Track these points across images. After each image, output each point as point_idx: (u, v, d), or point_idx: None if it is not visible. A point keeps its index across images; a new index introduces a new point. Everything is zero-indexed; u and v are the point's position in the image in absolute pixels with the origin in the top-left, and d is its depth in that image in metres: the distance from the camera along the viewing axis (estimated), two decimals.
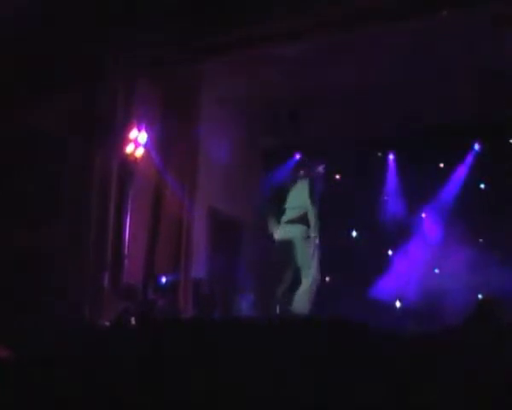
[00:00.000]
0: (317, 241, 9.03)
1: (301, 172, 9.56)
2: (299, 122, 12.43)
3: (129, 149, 10.94)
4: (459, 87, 11.52)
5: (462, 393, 4.94)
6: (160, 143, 11.70)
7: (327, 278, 12.51)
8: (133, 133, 10.96)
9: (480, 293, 11.49)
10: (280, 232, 9.32)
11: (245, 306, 12.47)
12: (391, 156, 13.95)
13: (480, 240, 12.52)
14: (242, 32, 9.89)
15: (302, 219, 9.12)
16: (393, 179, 13.82)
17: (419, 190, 13.12)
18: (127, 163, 11.02)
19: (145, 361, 6.53)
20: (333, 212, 11.44)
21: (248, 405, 5.33)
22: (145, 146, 11.11)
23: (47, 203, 10.28)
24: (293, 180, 9.65)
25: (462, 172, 13.25)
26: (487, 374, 4.72)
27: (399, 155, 13.86)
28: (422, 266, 12.72)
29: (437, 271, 12.90)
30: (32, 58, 10.27)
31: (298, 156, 13.81)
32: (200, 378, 6.08)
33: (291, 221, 9.26)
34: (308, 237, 9.03)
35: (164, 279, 11.42)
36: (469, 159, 13.26)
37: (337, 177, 14.01)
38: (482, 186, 13.26)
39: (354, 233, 13.70)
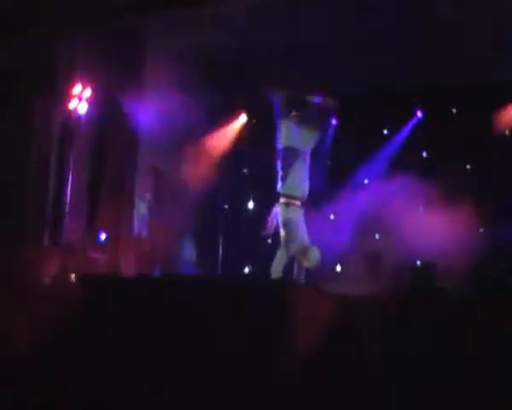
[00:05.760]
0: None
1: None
2: None
3: (72, 104, 10.76)
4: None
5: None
6: (103, 100, 11.51)
7: (269, 241, 12.51)
8: (77, 89, 10.77)
9: (418, 259, 11.66)
10: None
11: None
12: (334, 121, 13.94)
13: (420, 207, 12.67)
14: None
15: None
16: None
17: (362, 156, 13.19)
18: (70, 119, 10.84)
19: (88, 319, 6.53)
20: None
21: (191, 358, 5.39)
22: (88, 102, 10.93)
23: None
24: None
25: (404, 138, 13.37)
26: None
27: (343, 120, 13.85)
28: (363, 230, 12.83)
29: (377, 236, 13.03)
30: None
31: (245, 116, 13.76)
32: (144, 335, 6.11)
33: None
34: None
35: (103, 236, 11.33)
36: (412, 126, 13.38)
37: None
38: (424, 154, 13.40)
39: None
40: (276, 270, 8.25)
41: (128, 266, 11.29)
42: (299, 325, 5.92)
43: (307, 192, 8.48)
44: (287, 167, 8.42)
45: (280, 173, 8.48)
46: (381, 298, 6.64)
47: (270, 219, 8.75)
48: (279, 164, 8.54)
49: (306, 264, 8.17)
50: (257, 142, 12.75)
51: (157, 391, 5.97)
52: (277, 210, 8.45)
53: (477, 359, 5.23)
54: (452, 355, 5.36)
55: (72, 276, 8.94)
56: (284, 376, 5.58)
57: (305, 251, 8.16)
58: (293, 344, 5.77)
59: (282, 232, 8.35)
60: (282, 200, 8.37)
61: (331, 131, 13.77)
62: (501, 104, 12.44)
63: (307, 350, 5.78)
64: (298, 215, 8.37)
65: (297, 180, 8.41)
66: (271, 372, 5.62)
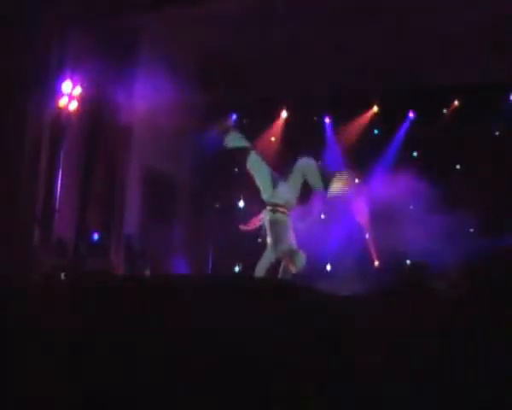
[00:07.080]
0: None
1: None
2: None
3: (62, 102, 10.73)
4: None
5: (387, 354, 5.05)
6: (94, 98, 11.46)
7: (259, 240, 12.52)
8: (67, 86, 10.75)
9: (408, 259, 11.69)
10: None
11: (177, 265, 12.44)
12: (327, 120, 13.94)
13: (411, 207, 12.67)
14: None
15: None
16: (330, 143, 13.84)
17: (354, 156, 13.20)
18: (60, 117, 10.81)
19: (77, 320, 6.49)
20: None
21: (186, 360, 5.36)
22: (79, 100, 10.91)
23: None
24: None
25: (396, 139, 13.39)
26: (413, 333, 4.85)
27: (335, 119, 13.85)
28: (355, 231, 12.85)
29: (367, 236, 13.04)
30: None
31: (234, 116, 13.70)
32: (134, 336, 6.07)
33: None
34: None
35: (96, 236, 11.32)
36: (404, 127, 13.40)
37: (272, 139, 13.98)
38: (415, 154, 13.41)
39: None
40: (261, 271, 8.24)
41: (119, 266, 11.27)
42: (293, 325, 5.90)
43: (293, 202, 8.42)
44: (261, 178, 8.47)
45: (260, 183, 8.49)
46: (371, 298, 6.64)
47: (255, 219, 8.75)
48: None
49: (292, 269, 8.13)
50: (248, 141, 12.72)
51: (153, 392, 5.94)
52: (264, 215, 8.43)
53: (474, 359, 5.22)
54: (443, 356, 5.34)
55: (62, 275, 8.90)
56: (281, 376, 5.57)
57: (291, 255, 8.11)
58: (288, 344, 5.75)
59: (269, 235, 8.31)
60: (268, 207, 8.34)
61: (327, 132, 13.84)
62: (498, 104, 12.49)
63: (301, 351, 5.77)
64: (285, 219, 8.32)
65: (280, 189, 8.36)
66: (269, 373, 5.60)
